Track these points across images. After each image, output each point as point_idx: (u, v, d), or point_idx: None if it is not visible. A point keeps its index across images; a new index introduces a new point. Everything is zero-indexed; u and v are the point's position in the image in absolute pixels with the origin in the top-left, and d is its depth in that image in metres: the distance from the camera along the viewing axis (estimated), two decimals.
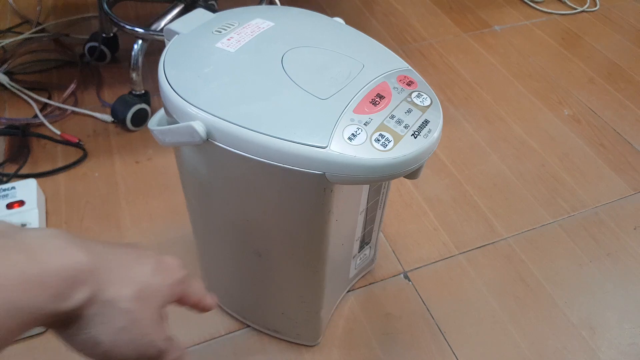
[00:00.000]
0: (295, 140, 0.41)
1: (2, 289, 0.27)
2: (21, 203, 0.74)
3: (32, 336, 0.64)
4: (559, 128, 1.01)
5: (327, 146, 0.41)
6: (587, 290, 0.74)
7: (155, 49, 0.92)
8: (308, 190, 0.45)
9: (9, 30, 1.12)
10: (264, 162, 0.43)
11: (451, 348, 0.66)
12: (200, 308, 0.43)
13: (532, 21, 1.32)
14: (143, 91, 0.92)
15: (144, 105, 0.91)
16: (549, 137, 0.99)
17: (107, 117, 0.93)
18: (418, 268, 0.75)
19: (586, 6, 1.37)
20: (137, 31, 0.87)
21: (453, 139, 0.97)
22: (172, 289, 0.37)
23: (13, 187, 0.76)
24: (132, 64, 0.88)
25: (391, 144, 0.42)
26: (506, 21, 1.31)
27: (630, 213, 0.85)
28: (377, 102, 0.45)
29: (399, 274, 0.74)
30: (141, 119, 0.92)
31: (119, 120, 0.91)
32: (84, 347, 0.33)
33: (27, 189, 0.76)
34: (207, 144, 0.44)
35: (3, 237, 0.30)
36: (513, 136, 0.98)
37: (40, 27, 1.13)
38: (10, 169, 0.84)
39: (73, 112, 0.95)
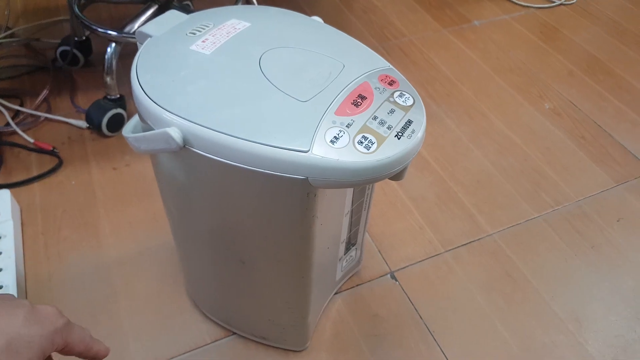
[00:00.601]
0: (275, 145, 0.40)
1: None
2: None
3: None
4: (540, 122, 1.01)
5: (309, 150, 0.40)
6: (572, 284, 0.74)
7: (129, 51, 0.90)
8: (291, 196, 0.44)
9: None
10: (244, 168, 0.41)
11: (440, 347, 0.66)
12: (90, 357, 0.41)
13: (511, 15, 1.32)
14: (118, 95, 0.89)
15: (119, 110, 0.89)
16: (530, 131, 0.99)
17: (82, 123, 0.90)
18: (404, 267, 0.75)
19: None
20: (109, 34, 0.85)
21: (436, 136, 0.96)
22: (49, 339, 0.36)
23: None
24: (105, 67, 0.85)
25: (374, 145, 0.41)
26: (485, 16, 1.31)
27: (612, 205, 0.86)
28: (359, 103, 0.44)
29: (386, 274, 0.74)
30: (117, 124, 0.90)
31: (94, 126, 0.89)
32: None
33: (0, 200, 0.74)
34: (184, 150, 0.42)
35: None
36: (495, 131, 0.98)
37: (9, 32, 1.09)
38: None
39: (46, 118, 0.92)
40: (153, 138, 0.43)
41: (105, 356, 0.42)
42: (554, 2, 1.37)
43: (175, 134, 0.41)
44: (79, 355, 0.40)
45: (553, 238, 0.80)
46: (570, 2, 1.38)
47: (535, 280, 0.74)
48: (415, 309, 0.70)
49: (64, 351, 0.39)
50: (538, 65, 1.16)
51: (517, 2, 1.37)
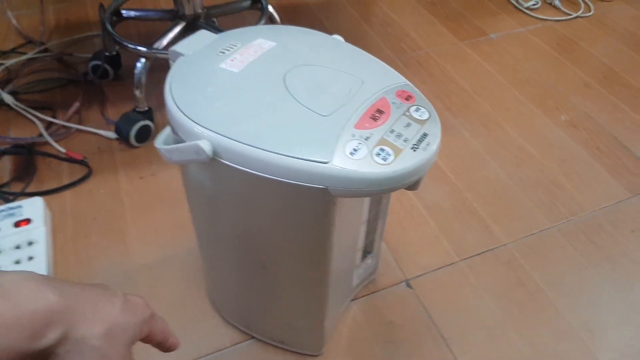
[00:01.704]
0: (298, 157, 0.43)
1: None
2: (28, 221, 0.76)
3: None
4: (556, 133, 1.03)
5: (329, 161, 0.43)
6: (586, 294, 0.75)
7: (157, 65, 0.94)
8: (311, 204, 0.46)
9: (13, 50, 1.14)
10: (268, 178, 0.44)
11: (454, 354, 0.68)
12: (165, 347, 0.45)
13: (527, 28, 1.34)
14: (146, 108, 0.93)
15: (147, 122, 0.93)
16: (546, 142, 1.00)
17: (111, 134, 0.95)
18: (420, 276, 0.76)
19: (580, 12, 1.40)
20: (139, 50, 0.89)
21: (452, 147, 0.98)
22: (140, 327, 0.39)
23: (20, 206, 0.77)
24: (135, 82, 0.89)
25: (391, 157, 0.44)
26: (501, 29, 1.33)
27: (627, 216, 0.86)
28: (377, 117, 0.46)
29: (401, 282, 0.76)
30: (145, 135, 0.93)
31: (123, 137, 0.93)
32: None
33: (33, 207, 0.78)
34: (213, 161, 0.45)
35: None
36: (511, 143, 1.00)
37: (43, 47, 1.15)
38: (17, 187, 0.86)
39: (78, 130, 0.97)
40: (184, 150, 0.46)
41: (176, 348, 0.45)
42: (570, 14, 1.39)
43: (205, 146, 0.44)
44: (156, 344, 0.44)
45: (567, 248, 0.81)
46: (587, 15, 1.39)
47: (549, 290, 0.75)
48: (430, 317, 0.71)
49: (145, 339, 0.42)
50: (554, 77, 1.17)
51: (533, 15, 1.39)
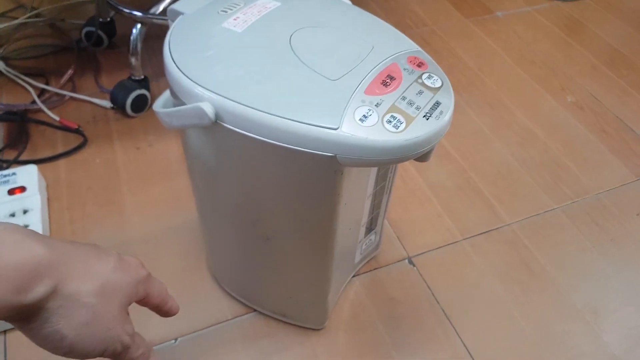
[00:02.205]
0: (305, 122, 0.41)
1: None
2: (22, 189, 0.73)
3: None
4: (561, 115, 1.01)
5: (338, 127, 0.41)
6: (590, 275, 0.74)
7: (153, 33, 0.91)
8: (318, 173, 0.44)
9: (3, 14, 1.10)
10: (273, 144, 0.42)
11: (456, 331, 0.67)
12: (164, 311, 0.43)
13: (534, 7, 1.31)
14: (142, 76, 0.90)
15: (143, 91, 0.90)
16: (551, 123, 0.99)
17: (106, 103, 0.92)
18: (422, 253, 0.75)
19: None
20: (135, 15, 0.86)
21: (456, 126, 0.96)
22: (135, 287, 0.38)
23: (14, 173, 0.75)
24: (131, 48, 0.86)
25: (403, 125, 0.42)
26: (508, 7, 1.30)
27: (633, 199, 0.85)
28: (387, 83, 0.44)
29: (404, 259, 0.74)
30: (141, 104, 0.91)
31: (118, 106, 0.90)
32: (49, 342, 0.33)
33: (27, 174, 0.75)
34: (215, 126, 0.43)
35: None
36: (516, 123, 0.98)
37: (35, 12, 1.11)
38: (10, 155, 0.83)
39: (71, 97, 0.94)
40: (185, 113, 0.44)
41: (176, 313, 0.44)
42: None
43: (208, 108, 0.42)
44: (154, 307, 0.42)
45: (572, 230, 0.80)
46: None
47: (553, 271, 0.74)
48: (433, 294, 0.70)
49: (142, 302, 0.41)
50: (561, 58, 1.15)
51: None
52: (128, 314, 0.38)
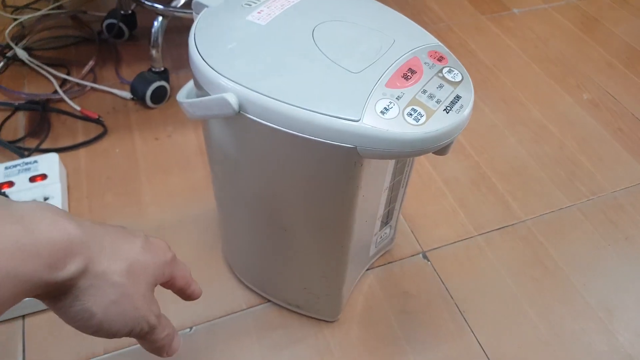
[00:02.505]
0: (327, 113, 0.41)
1: None
2: (44, 177, 0.75)
3: None
4: (577, 112, 1.00)
5: (359, 119, 0.41)
6: (605, 273, 0.74)
7: (172, 26, 0.92)
8: (338, 164, 0.45)
9: (27, 6, 1.12)
10: (295, 134, 0.43)
11: (470, 327, 0.67)
12: (187, 294, 0.44)
13: (551, 5, 1.30)
14: (162, 68, 0.91)
15: (163, 83, 0.91)
16: (567, 121, 0.98)
17: (127, 94, 0.93)
18: (436, 248, 0.76)
19: None
20: (157, 8, 0.87)
21: (472, 122, 0.96)
22: (162, 268, 0.39)
23: (35, 161, 0.77)
24: (152, 40, 0.88)
25: (423, 118, 0.42)
26: (525, 4, 1.30)
27: None
28: (408, 77, 0.45)
29: (418, 254, 0.75)
30: (160, 96, 0.92)
31: (138, 97, 0.91)
32: (78, 319, 0.34)
33: (49, 162, 0.77)
34: (238, 116, 0.44)
35: None
36: (531, 120, 0.98)
37: (57, 4, 1.13)
38: (31, 143, 0.85)
39: (92, 88, 0.95)
40: (210, 103, 0.45)
41: (198, 296, 0.44)
42: None
43: (232, 99, 0.43)
44: (178, 291, 0.43)
45: (586, 227, 0.80)
46: None
47: (567, 268, 0.74)
48: (447, 289, 0.71)
49: (167, 284, 0.41)
50: (577, 56, 1.14)
51: None
52: (153, 294, 0.39)
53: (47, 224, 0.31)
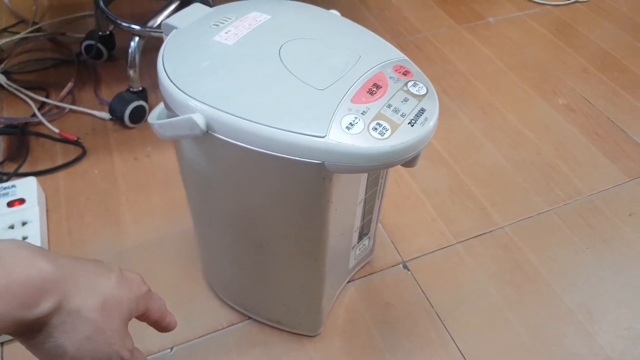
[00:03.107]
0: (294, 130, 0.42)
1: None
2: (22, 201, 0.75)
3: None
4: (553, 117, 1.02)
5: (325, 135, 0.42)
6: (583, 277, 0.75)
7: (151, 46, 0.93)
8: (307, 180, 0.46)
9: (5, 30, 1.12)
10: (263, 152, 0.43)
11: (451, 336, 0.67)
12: (163, 327, 0.44)
13: (525, 12, 1.33)
14: (140, 88, 0.92)
15: (141, 102, 0.91)
16: (544, 126, 1.00)
17: (105, 115, 0.93)
18: (416, 258, 0.76)
19: None
20: (133, 28, 0.88)
21: (449, 130, 0.98)
22: (136, 302, 0.39)
23: (13, 186, 0.76)
24: (129, 61, 0.88)
25: (388, 132, 0.43)
26: (500, 13, 1.32)
27: (625, 200, 0.86)
28: (373, 92, 0.45)
29: (398, 264, 0.75)
30: (139, 115, 0.92)
31: (117, 118, 0.92)
32: (51, 356, 0.34)
33: (27, 187, 0.77)
34: (207, 136, 0.44)
35: None
36: (508, 126, 0.99)
37: (36, 27, 1.13)
38: (10, 167, 0.85)
39: (71, 110, 0.95)
40: (178, 124, 0.45)
41: (173, 328, 0.44)
42: None
43: (199, 119, 0.43)
44: (153, 323, 0.43)
45: (564, 231, 0.81)
46: (585, 0, 1.38)
47: (546, 272, 0.75)
48: (427, 298, 0.71)
49: (142, 317, 0.41)
50: (552, 62, 1.16)
51: None
52: (127, 328, 0.39)
53: (22, 262, 0.31)
